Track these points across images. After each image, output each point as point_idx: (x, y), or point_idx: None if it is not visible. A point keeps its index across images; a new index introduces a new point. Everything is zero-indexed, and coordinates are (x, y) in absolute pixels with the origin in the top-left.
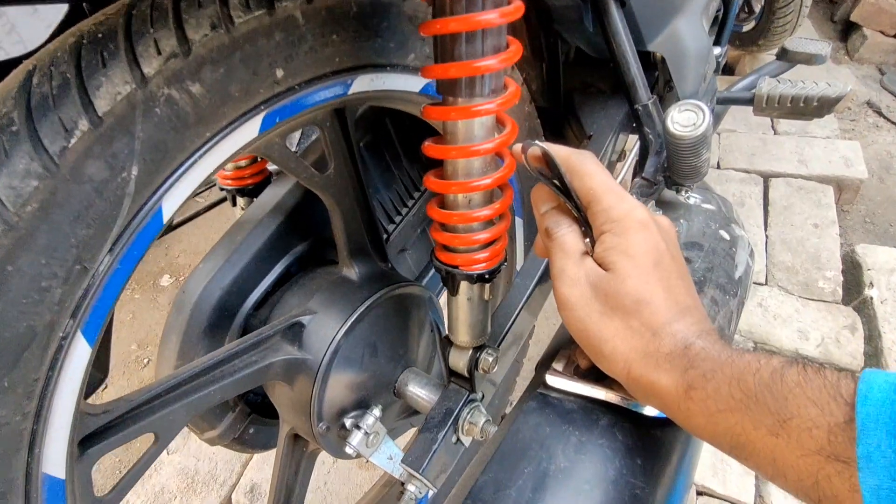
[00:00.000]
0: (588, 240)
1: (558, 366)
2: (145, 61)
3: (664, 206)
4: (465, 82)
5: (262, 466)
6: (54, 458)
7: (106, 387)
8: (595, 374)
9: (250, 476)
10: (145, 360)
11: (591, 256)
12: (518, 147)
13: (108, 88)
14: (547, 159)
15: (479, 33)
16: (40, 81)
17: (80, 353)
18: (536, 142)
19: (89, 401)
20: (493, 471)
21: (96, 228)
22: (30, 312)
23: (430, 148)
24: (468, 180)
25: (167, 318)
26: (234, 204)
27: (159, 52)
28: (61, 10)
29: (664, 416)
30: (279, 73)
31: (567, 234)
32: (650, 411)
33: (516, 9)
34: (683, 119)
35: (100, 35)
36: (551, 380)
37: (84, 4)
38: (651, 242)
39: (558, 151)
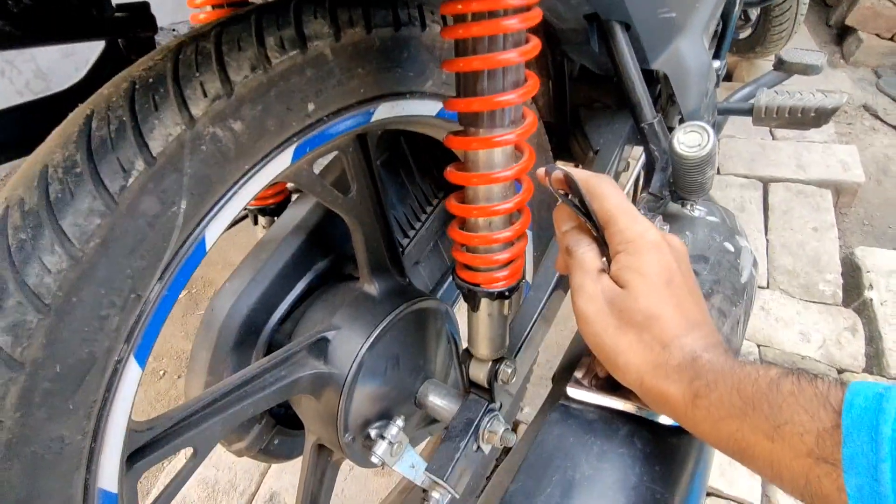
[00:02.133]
0: (605, 258)
1: (579, 374)
2: (193, 103)
3: (670, 219)
4: (487, 115)
5: (280, 475)
6: (109, 474)
7: None
8: (613, 384)
9: (269, 485)
10: (161, 372)
11: (608, 274)
12: (541, 170)
13: (160, 130)
14: (569, 182)
15: (500, 70)
16: (99, 125)
17: (132, 375)
18: (558, 166)
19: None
20: (521, 480)
21: (149, 259)
22: (91, 339)
23: (452, 174)
24: (489, 204)
25: (196, 335)
26: (256, 223)
27: (205, 94)
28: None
29: (678, 424)
30: (311, 106)
31: (586, 253)
32: (665, 420)
33: (534, 47)
34: (689, 140)
35: (150, 80)
36: (572, 392)
37: (119, 41)
38: (663, 262)
39: (579, 175)
